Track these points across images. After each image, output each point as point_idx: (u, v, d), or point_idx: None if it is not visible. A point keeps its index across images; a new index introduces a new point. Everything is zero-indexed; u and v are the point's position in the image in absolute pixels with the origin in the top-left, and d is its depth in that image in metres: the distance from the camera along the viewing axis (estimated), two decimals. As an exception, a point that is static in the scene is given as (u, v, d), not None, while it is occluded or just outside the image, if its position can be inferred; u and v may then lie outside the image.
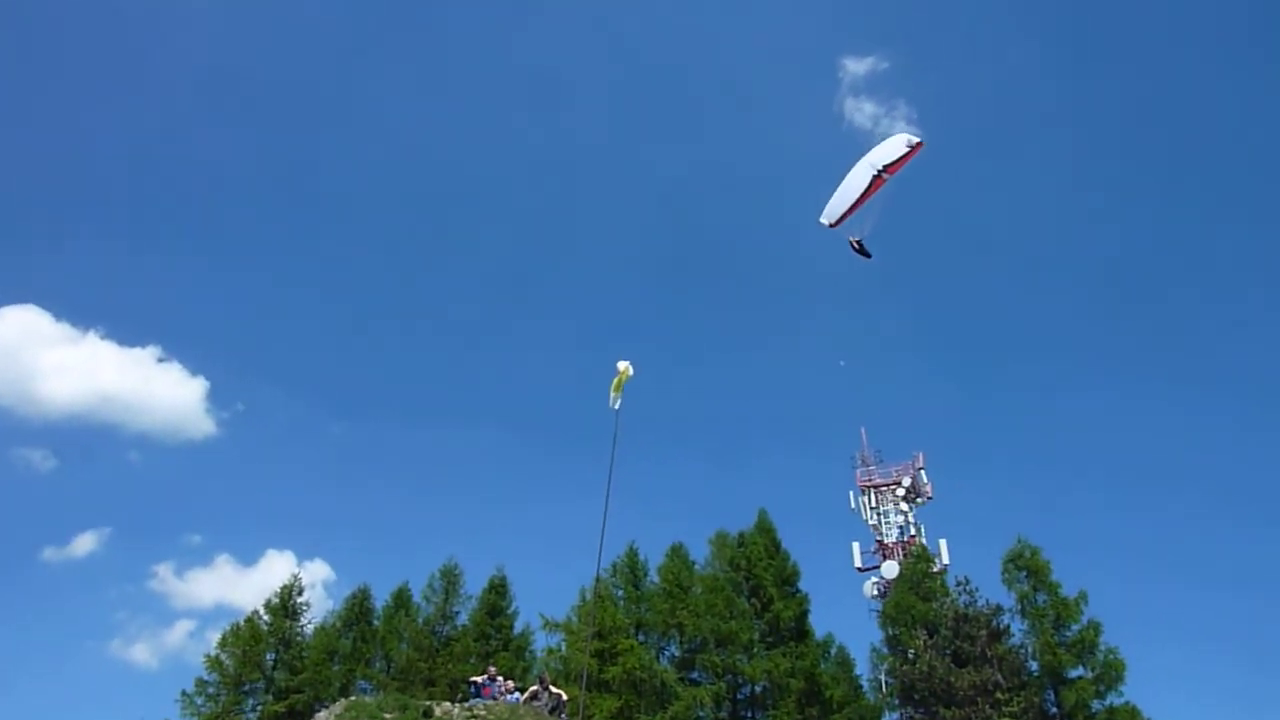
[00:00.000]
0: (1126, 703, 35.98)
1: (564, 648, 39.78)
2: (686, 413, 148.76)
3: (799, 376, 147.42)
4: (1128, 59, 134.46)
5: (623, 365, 23.61)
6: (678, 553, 43.55)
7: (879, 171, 26.74)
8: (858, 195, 27.08)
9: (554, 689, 27.04)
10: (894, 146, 27.06)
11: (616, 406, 22.53)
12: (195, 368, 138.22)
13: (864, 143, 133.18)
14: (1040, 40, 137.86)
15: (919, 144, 26.71)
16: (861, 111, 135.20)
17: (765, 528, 45.44)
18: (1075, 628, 37.50)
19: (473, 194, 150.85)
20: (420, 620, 43.25)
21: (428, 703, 25.21)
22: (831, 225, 27.87)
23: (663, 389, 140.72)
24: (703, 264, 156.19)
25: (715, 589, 41.32)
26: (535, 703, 25.71)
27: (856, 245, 28.15)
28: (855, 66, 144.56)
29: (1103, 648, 36.67)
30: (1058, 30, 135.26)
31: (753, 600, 42.72)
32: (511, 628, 43.58)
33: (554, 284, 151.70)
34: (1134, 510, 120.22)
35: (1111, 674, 36.29)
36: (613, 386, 22.79)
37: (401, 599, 44.91)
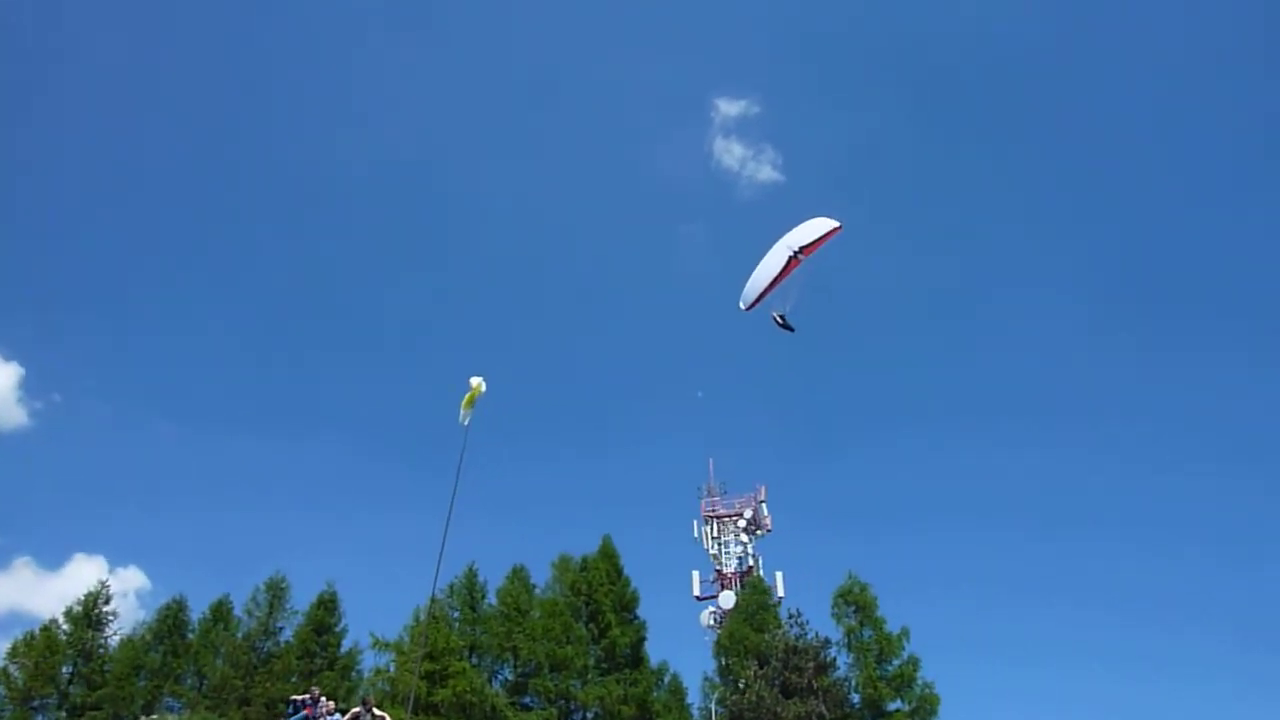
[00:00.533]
0: (940, 734, 37.71)
1: (393, 668, 38.52)
2: (539, 428, 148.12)
3: (656, 403, 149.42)
4: (992, 111, 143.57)
5: (475, 381, 23.05)
6: (518, 575, 43.03)
7: (795, 253, 27.16)
8: (773, 277, 27.42)
9: (377, 711, 25.90)
10: (812, 229, 27.42)
11: (466, 423, 21.89)
12: (9, 353, 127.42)
13: (730, 183, 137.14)
14: (909, 92, 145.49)
15: (838, 227, 27.26)
16: (730, 153, 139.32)
17: (608, 553, 45.45)
18: (896, 662, 39.10)
19: (325, 194, 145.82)
20: (240, 635, 41.01)
21: (240, 724, 23.83)
22: (747, 308, 28.11)
23: (517, 403, 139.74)
24: (562, 286, 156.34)
25: (554, 613, 40.99)
26: (356, 726, 24.60)
27: (779, 320, 28.47)
28: (727, 108, 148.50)
29: (920, 682, 38.39)
30: (928, 84, 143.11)
31: (591, 625, 42.58)
32: (339, 646, 41.87)
33: (399, 292, 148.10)
34: (960, 543, 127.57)
35: (926, 707, 37.99)
36: (464, 402, 22.17)
37: (221, 612, 42.48)
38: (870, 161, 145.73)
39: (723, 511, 58.69)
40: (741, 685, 40.25)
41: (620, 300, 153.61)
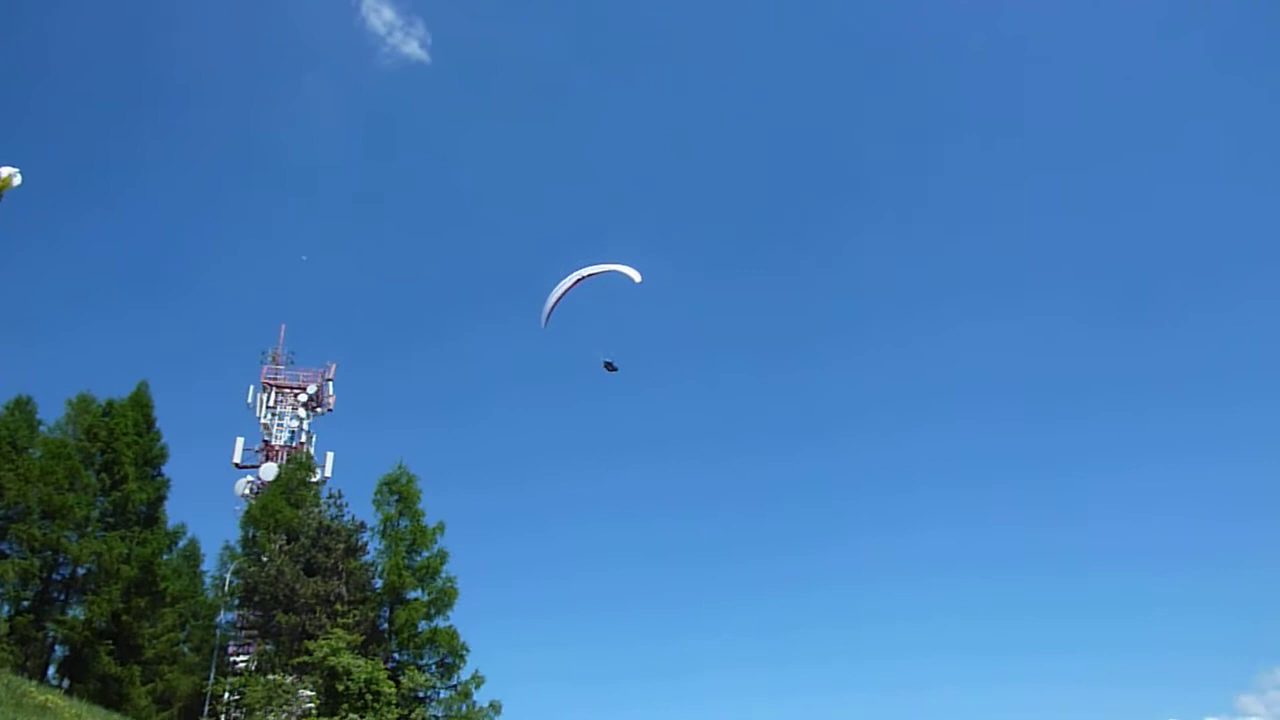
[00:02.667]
0: (450, 625, 39.45)
1: None
2: (97, 264, 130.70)
3: (239, 259, 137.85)
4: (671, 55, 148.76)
5: (6, 172, 19.36)
6: (21, 406, 37.33)
7: (580, 279, 32.17)
8: (559, 295, 32.37)
9: None
10: (607, 266, 32.19)
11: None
12: None
13: (373, 47, 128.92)
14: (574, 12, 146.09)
15: (634, 279, 31.68)
16: (380, 16, 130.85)
17: (141, 402, 41.07)
18: (426, 554, 40.07)
19: None
20: None
21: None
22: (544, 324, 33.45)
23: (79, 231, 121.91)
24: (155, 112, 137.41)
25: (59, 455, 36.22)
26: None
27: (608, 366, 33.03)
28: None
29: (443, 575, 39.77)
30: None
31: (103, 475, 38.29)
32: None
33: None
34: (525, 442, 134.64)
35: (444, 599, 39.50)
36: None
37: None
38: (514, 67, 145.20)
39: (284, 382, 55.72)
40: (265, 559, 38.91)
41: (226, 142, 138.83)
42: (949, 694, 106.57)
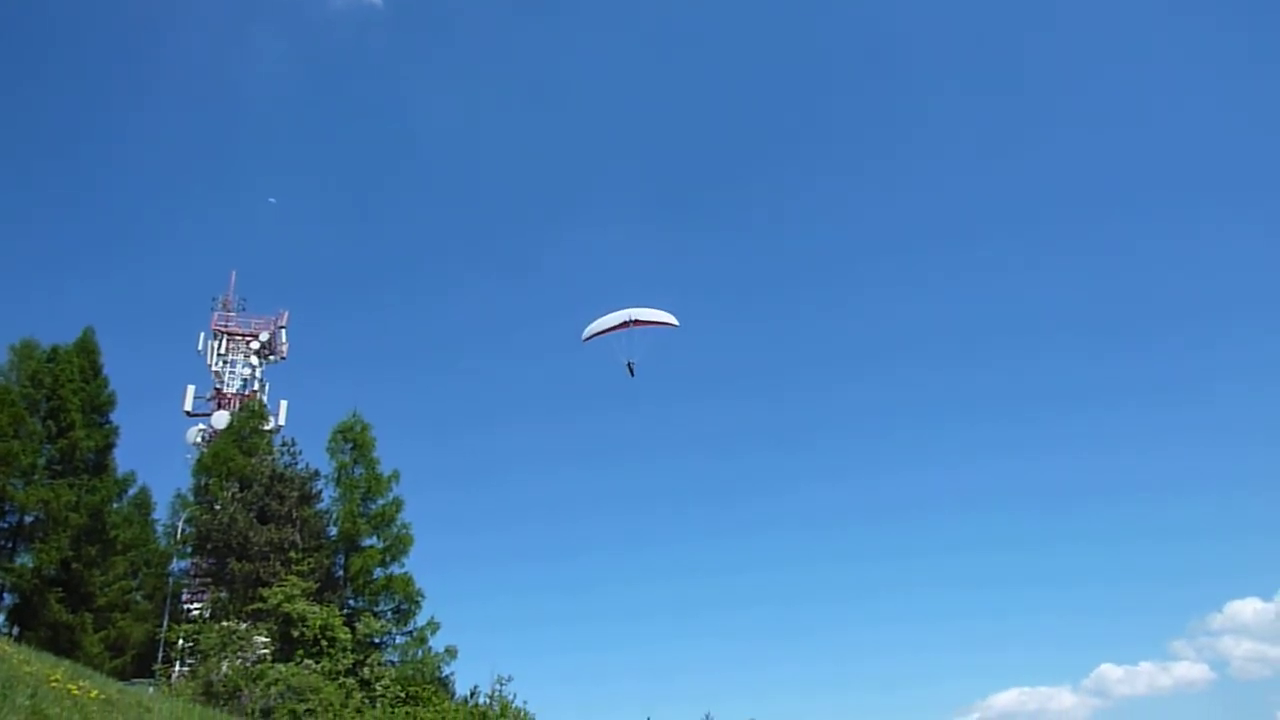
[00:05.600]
0: (406, 572, 39.69)
1: None
2: (54, 212, 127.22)
3: (190, 202, 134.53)
4: None
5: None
6: (-39, 353, 36.55)
7: (630, 321, 34.58)
8: (607, 327, 34.87)
9: None
10: (655, 313, 34.96)
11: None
12: None
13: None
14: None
15: (675, 325, 35.03)
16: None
17: (88, 348, 40.36)
18: (381, 501, 40.10)
19: None
20: None
21: None
22: (583, 341, 36.10)
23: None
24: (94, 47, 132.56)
25: (2, 402, 35.54)
26: None
27: (630, 368, 35.68)
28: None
29: (398, 523, 39.86)
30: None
31: (49, 422, 37.70)
32: None
33: None
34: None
35: (400, 546, 39.66)
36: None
37: None
38: (469, 11, 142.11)
39: (236, 329, 54.79)
40: (218, 507, 38.69)
41: (174, 84, 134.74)
42: (877, 634, 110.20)
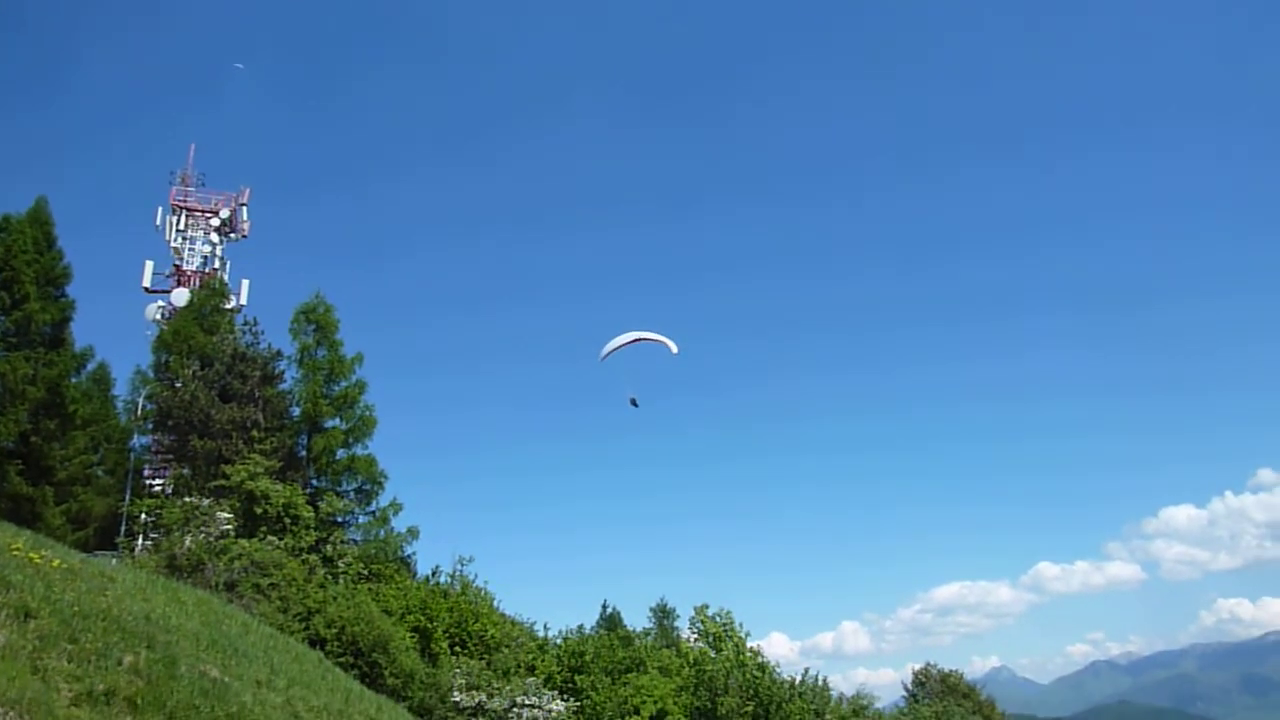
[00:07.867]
0: (369, 454, 40.06)
1: None
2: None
3: (143, 70, 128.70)
4: None
5: None
6: (-92, 219, 35.37)
7: (638, 339, 37.07)
8: (620, 345, 36.87)
9: None
10: (658, 336, 37.44)
11: None
12: None
13: None
14: None
15: (674, 351, 37.19)
16: None
17: (40, 219, 39.06)
18: (344, 384, 40.10)
19: None
20: None
21: None
22: (601, 359, 37.71)
23: None
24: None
25: (-48, 273, 34.67)
26: None
27: (633, 401, 37.58)
28: None
29: (361, 404, 40.00)
30: None
31: (2, 294, 36.81)
32: None
33: None
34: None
35: (363, 428, 39.91)
36: None
37: None
38: None
39: (195, 205, 53.37)
40: (179, 384, 38.49)
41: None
42: (832, 523, 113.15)
